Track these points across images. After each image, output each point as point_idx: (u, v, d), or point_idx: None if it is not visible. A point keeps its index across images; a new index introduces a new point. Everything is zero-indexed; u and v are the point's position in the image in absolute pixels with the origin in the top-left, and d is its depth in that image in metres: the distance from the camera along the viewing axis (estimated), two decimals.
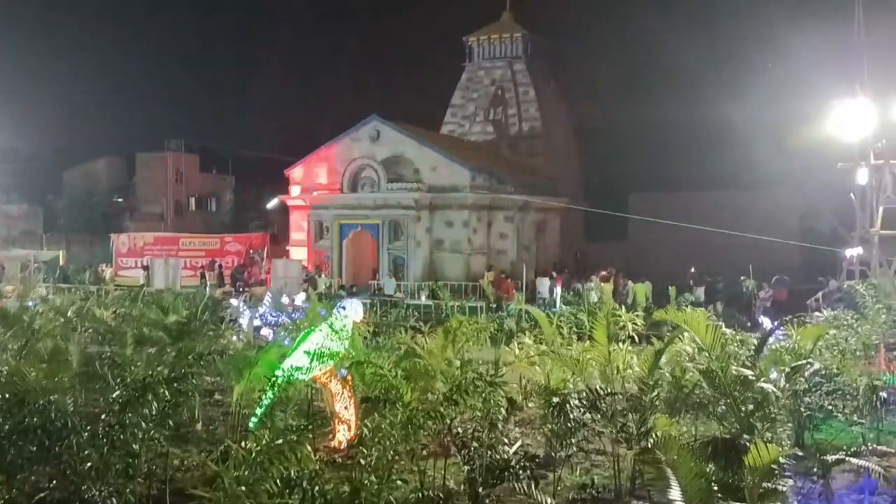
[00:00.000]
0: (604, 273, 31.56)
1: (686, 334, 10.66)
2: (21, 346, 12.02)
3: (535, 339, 13.68)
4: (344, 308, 11.89)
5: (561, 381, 10.86)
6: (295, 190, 38.03)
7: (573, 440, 9.52)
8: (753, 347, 11.00)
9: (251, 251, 38.73)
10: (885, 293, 16.72)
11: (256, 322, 18.48)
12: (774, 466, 6.30)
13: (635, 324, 13.79)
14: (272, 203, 43.87)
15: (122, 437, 7.46)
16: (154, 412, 7.79)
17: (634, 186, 47.22)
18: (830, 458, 8.08)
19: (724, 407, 9.28)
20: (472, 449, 8.55)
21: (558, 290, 29.23)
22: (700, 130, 46.24)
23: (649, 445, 7.34)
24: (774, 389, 9.23)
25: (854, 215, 28.29)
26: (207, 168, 60.96)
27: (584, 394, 9.64)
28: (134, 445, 7.55)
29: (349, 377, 10.96)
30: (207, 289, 29.30)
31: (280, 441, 6.29)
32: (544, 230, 39.99)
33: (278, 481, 6.07)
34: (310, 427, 6.77)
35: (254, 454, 6.16)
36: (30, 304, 17.93)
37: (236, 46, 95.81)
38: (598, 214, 34.72)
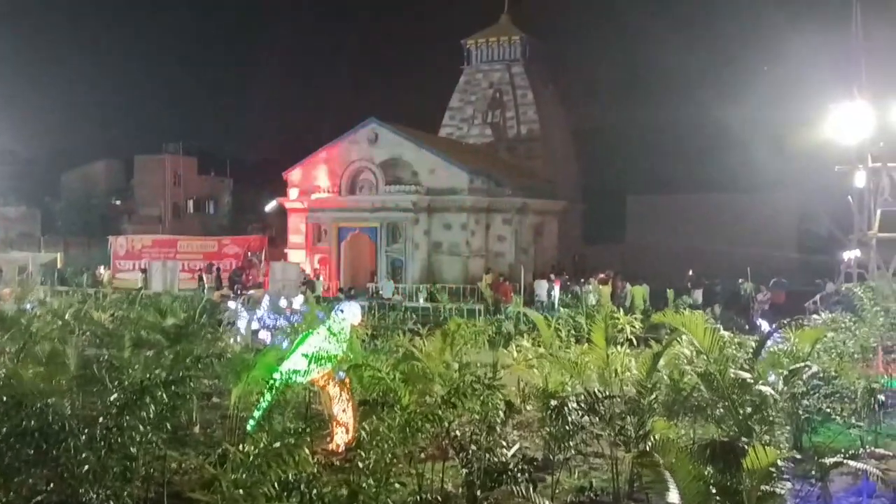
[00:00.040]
0: (602, 276, 31.57)
1: (684, 337, 10.64)
2: (18, 348, 11.99)
3: (533, 342, 13.65)
4: (342, 311, 11.89)
5: (559, 384, 10.86)
6: (293, 192, 37.99)
7: (571, 443, 9.52)
8: (751, 350, 11.00)
9: (249, 254, 38.70)
10: (883, 296, 16.72)
11: (254, 325, 18.46)
12: (772, 469, 6.31)
13: (633, 326, 13.79)
14: (270, 206, 43.84)
15: (119, 440, 7.44)
16: (152, 415, 7.78)
17: (632, 189, 47.28)
18: (828, 460, 8.09)
19: (722, 410, 9.28)
20: (471, 452, 8.55)
21: (556, 292, 29.25)
22: (698, 133, 46.38)
23: (647, 448, 7.36)
24: (772, 392, 9.23)
25: (851, 218, 28.32)
26: (205, 171, 60.98)
27: (583, 397, 9.64)
28: (131, 448, 7.54)
29: (347, 380, 10.95)
30: (205, 291, 29.32)
31: (278, 444, 6.29)
32: (542, 233, 40.00)
33: (276, 484, 6.06)
34: (308, 430, 6.76)
35: (252, 457, 6.16)
36: (27, 306, 17.90)
37: (234, 50, 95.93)
38: (596, 217, 34.81)
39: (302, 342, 11.49)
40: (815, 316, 16.76)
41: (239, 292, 30.89)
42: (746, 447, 6.77)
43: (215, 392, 14.13)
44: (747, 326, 20.06)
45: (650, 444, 8.13)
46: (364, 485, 6.54)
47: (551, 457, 9.90)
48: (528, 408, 12.21)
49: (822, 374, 11.22)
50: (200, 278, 34.50)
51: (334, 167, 36.45)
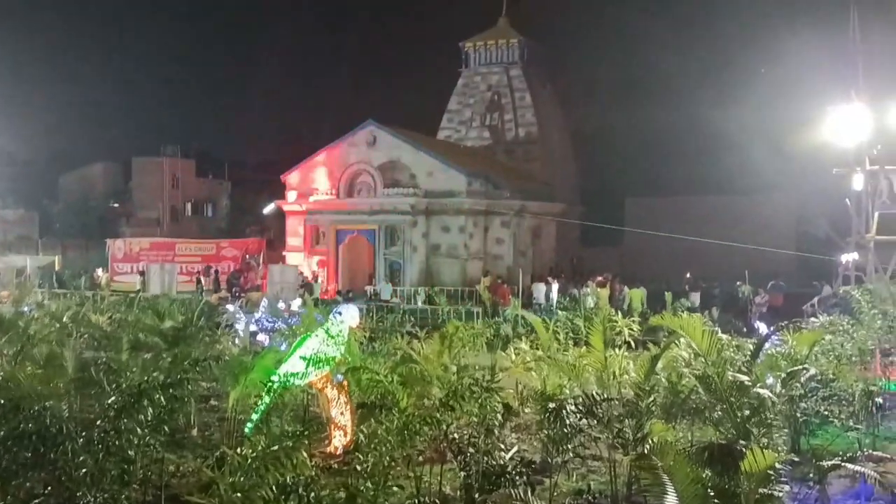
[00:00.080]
0: (600, 278, 31.56)
1: (682, 340, 10.66)
2: (16, 351, 12.00)
3: (531, 345, 13.66)
4: (340, 313, 11.90)
5: (557, 387, 10.86)
6: (291, 195, 37.99)
7: (569, 446, 9.52)
8: (749, 353, 11.00)
9: (247, 256, 38.66)
10: (881, 299, 16.73)
11: (252, 327, 18.47)
12: (771, 472, 6.32)
13: (631, 329, 13.81)
14: (268, 208, 43.82)
15: (117, 442, 7.44)
16: (150, 418, 7.78)
17: (631, 191, 47.28)
18: (826, 463, 8.09)
19: (720, 412, 9.28)
20: (469, 455, 8.55)
21: (554, 295, 29.26)
22: (696, 135, 46.41)
23: (646, 451, 7.36)
24: (770, 395, 9.24)
25: (849, 221, 28.35)
26: (204, 173, 60.94)
27: (581, 399, 9.63)
28: (129, 451, 7.54)
29: (345, 383, 10.95)
30: (203, 294, 29.29)
31: (276, 447, 6.29)
32: (540, 235, 40.01)
33: (274, 487, 6.06)
34: (306, 433, 6.76)
35: (250, 460, 6.16)
36: (25, 309, 17.89)
37: (233, 52, 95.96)
38: (594, 219, 34.83)
39: (300, 345, 11.49)
40: (812, 319, 16.79)
41: (237, 295, 30.91)
42: (744, 450, 6.77)
43: (213, 395, 14.12)
44: (745, 329, 20.09)
45: (648, 446, 8.13)
46: (362, 488, 6.54)
47: (549, 459, 9.90)
48: (527, 410, 12.20)
49: (819, 377, 11.24)
50: (198, 281, 34.48)
51: (333, 170, 36.46)
